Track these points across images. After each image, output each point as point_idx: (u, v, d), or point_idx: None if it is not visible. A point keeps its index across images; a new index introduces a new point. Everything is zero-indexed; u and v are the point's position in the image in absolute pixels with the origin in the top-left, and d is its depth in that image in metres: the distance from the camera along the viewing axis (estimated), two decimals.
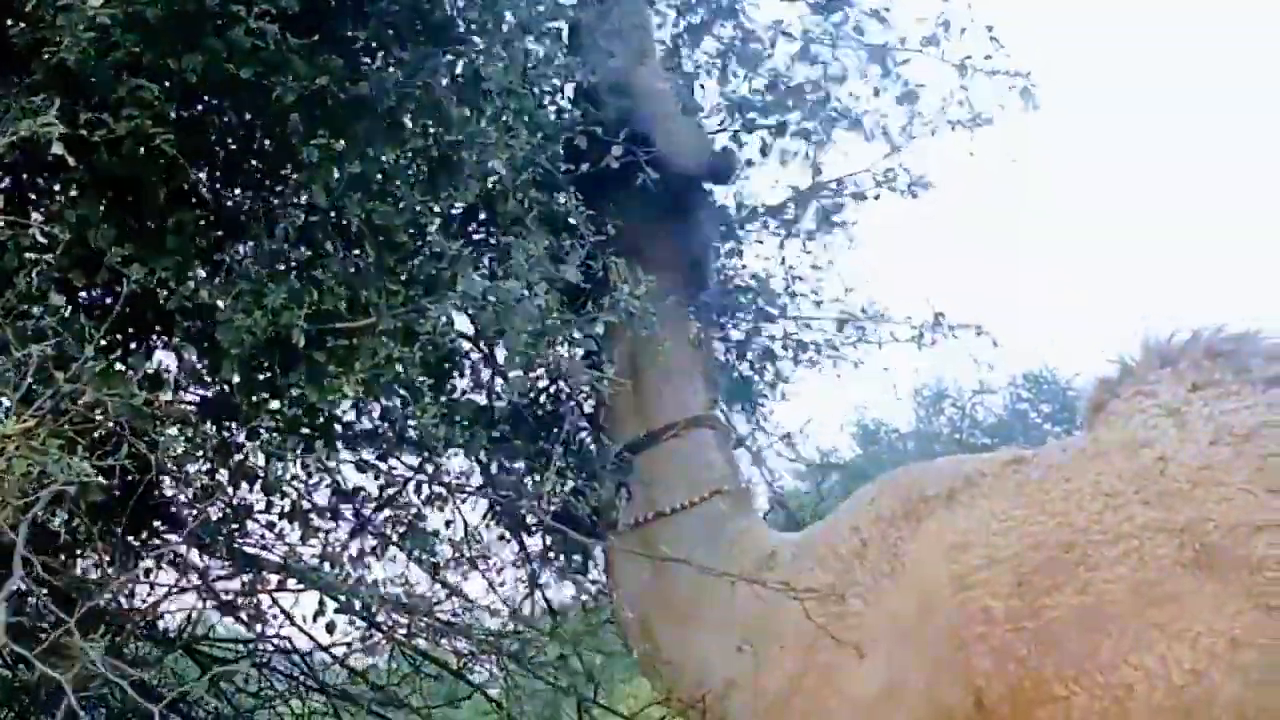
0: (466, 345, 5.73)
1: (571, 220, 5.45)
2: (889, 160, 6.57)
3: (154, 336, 5.05)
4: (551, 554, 6.11)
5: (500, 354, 5.60)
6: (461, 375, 5.81)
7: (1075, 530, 4.97)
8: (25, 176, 4.84)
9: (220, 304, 4.70)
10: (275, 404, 5.00)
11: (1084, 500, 5.01)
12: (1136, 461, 5.02)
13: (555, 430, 5.89)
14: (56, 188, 4.77)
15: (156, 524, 5.33)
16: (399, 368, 4.90)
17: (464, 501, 5.83)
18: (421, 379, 5.08)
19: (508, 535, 6.07)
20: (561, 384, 5.96)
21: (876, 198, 6.60)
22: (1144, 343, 5.33)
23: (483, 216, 5.41)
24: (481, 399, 5.87)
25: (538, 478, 5.73)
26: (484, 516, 5.97)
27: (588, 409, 6.10)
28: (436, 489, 5.61)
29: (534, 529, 6.02)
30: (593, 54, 5.69)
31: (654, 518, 5.84)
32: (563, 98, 5.91)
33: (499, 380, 5.81)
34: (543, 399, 6.08)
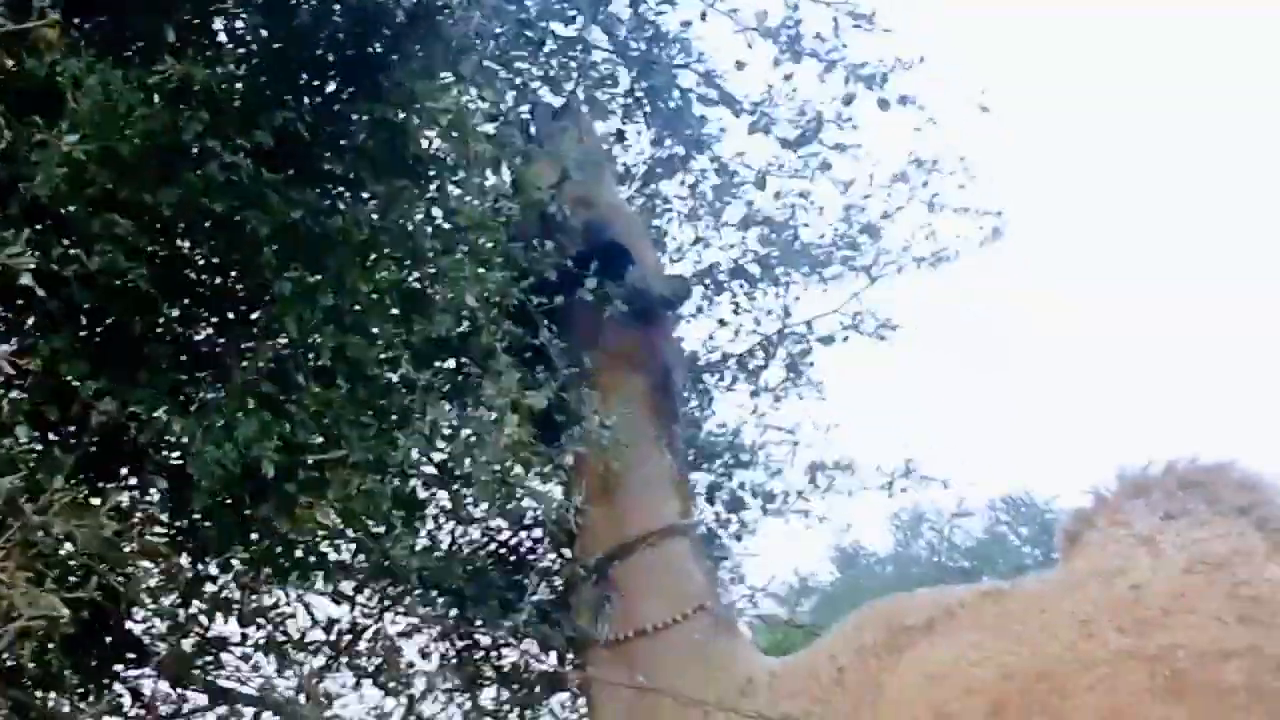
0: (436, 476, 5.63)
1: (544, 351, 5.37)
2: (855, 303, 6.54)
3: (125, 469, 4.92)
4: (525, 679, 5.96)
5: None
6: (432, 507, 5.71)
7: (1049, 659, 4.91)
8: None
9: (191, 437, 4.57)
10: (248, 537, 4.88)
11: (1059, 629, 4.95)
12: (1111, 590, 4.97)
13: (529, 558, 5.77)
14: (28, 320, 4.66)
15: (129, 657, 5.18)
16: (370, 499, 4.78)
17: (439, 636, 5.72)
18: (393, 510, 4.97)
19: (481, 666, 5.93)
20: (538, 509, 5.82)
21: (845, 340, 6.56)
22: (1118, 473, 5.30)
23: (456, 348, 5.31)
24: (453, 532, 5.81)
25: (512, 610, 5.56)
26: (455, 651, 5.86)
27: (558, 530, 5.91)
28: (411, 620, 5.48)
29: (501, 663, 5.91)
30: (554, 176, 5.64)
31: (635, 635, 5.66)
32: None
33: (477, 509, 5.71)
34: (521, 526, 5.97)
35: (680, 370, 6.09)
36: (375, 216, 4.83)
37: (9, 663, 4.25)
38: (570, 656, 5.74)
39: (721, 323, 6.53)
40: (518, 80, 5.79)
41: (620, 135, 6.44)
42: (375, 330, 4.80)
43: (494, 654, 5.85)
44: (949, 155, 6.39)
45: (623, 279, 5.67)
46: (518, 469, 5.11)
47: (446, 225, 5.02)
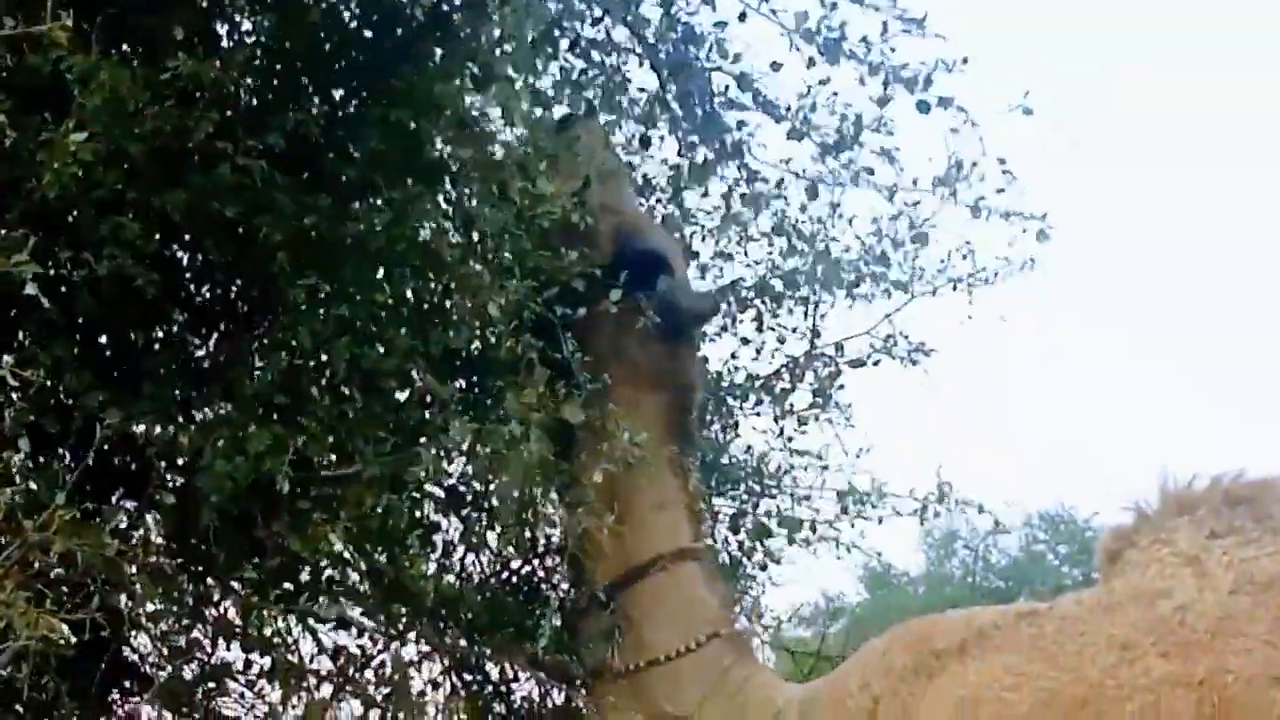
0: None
1: (567, 365, 5.12)
2: (887, 325, 6.37)
3: (128, 485, 4.67)
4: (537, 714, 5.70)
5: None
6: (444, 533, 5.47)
7: (1089, 685, 4.67)
8: None
9: (200, 451, 4.33)
10: (255, 558, 4.63)
11: (1099, 653, 4.72)
12: (1154, 612, 4.74)
13: (547, 586, 5.51)
14: (30, 329, 4.41)
15: (127, 682, 4.93)
16: (386, 518, 4.54)
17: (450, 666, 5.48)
18: (407, 534, 4.74)
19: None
20: (554, 534, 5.56)
21: (876, 363, 6.37)
22: (1161, 489, 5.07)
23: (475, 361, 5.06)
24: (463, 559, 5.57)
25: (529, 638, 5.30)
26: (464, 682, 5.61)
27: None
28: (424, 647, 5.23)
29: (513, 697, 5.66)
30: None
31: (648, 665, 5.39)
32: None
33: (490, 535, 5.46)
34: (535, 553, 5.71)
35: (701, 389, 5.85)
36: (390, 223, 4.59)
37: (3, 685, 4.03)
38: (582, 688, 5.48)
39: (745, 341, 6.30)
40: (538, 83, 5.56)
41: (645, 141, 6.20)
42: (391, 341, 4.59)
43: (505, 687, 5.58)
44: (990, 159, 6.20)
45: (653, 289, 5.43)
46: (537, 490, 4.85)
47: (465, 233, 4.79)
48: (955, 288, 6.28)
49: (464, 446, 4.70)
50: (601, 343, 5.42)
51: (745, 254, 6.35)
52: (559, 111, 5.65)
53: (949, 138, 6.08)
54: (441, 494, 5.29)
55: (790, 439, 6.43)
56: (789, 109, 6.09)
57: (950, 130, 6.05)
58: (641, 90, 6.03)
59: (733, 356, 6.39)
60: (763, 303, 6.32)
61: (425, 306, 4.73)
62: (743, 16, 5.92)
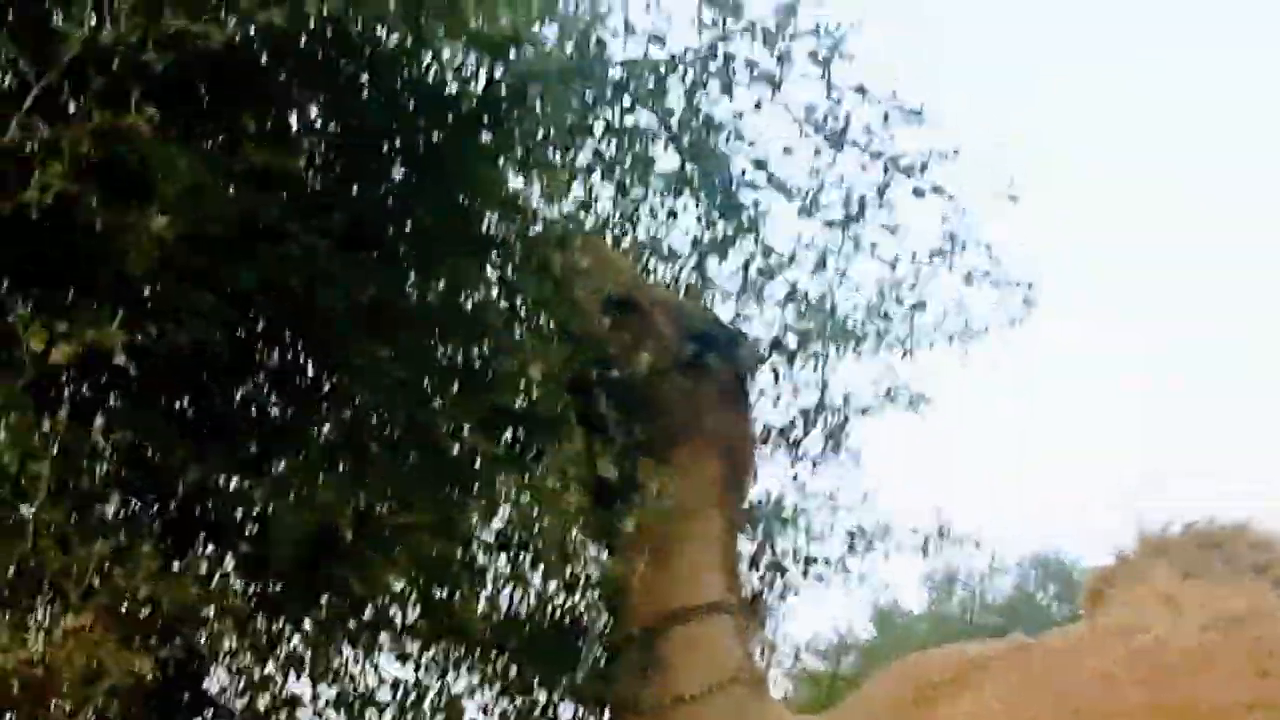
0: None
1: (604, 421, 5.29)
2: (889, 376, 6.49)
3: (208, 533, 4.84)
4: None
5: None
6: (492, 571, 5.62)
7: (1073, 713, 4.79)
8: (89, 384, 4.69)
9: (269, 503, 4.51)
10: (322, 598, 4.81)
11: (1083, 684, 4.84)
12: (1132, 645, 4.86)
13: (586, 620, 5.66)
14: (116, 394, 4.61)
15: (207, 713, 5.10)
16: (438, 562, 4.71)
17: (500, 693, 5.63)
18: (458, 576, 4.89)
19: None
20: (593, 573, 5.72)
21: (881, 411, 6.51)
22: (1139, 534, 5.22)
23: (519, 419, 5.24)
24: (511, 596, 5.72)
25: (569, 669, 5.45)
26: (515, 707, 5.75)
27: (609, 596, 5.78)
28: (472, 680, 5.39)
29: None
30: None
31: (672, 703, 5.52)
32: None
33: (534, 574, 5.62)
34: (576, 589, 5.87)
35: (754, 452, 6.04)
36: (442, 294, 4.77)
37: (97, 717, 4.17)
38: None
39: (761, 393, 6.45)
40: (575, 164, 5.75)
41: (671, 213, 6.39)
42: (443, 402, 4.74)
43: (551, 709, 5.73)
44: (978, 240, 6.35)
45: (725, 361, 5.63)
46: (577, 534, 5.01)
47: (509, 303, 4.97)
48: (951, 341, 6.44)
49: (509, 497, 4.86)
50: (672, 417, 5.57)
51: (761, 314, 6.52)
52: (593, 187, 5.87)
53: (942, 221, 6.28)
54: (491, 538, 5.48)
55: (803, 482, 6.57)
56: (799, 189, 6.29)
57: (942, 218, 6.26)
58: (667, 171, 6.23)
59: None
60: (778, 358, 6.46)
61: (474, 369, 4.86)
62: (758, 105, 6.09)
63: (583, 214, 5.61)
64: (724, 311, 6.52)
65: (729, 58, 5.89)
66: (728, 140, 6.12)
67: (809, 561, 6.44)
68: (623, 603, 5.56)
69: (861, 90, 6.11)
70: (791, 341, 6.38)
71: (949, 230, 6.30)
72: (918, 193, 6.15)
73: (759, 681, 5.69)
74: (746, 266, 6.38)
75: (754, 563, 6.40)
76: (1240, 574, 5.01)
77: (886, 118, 6.11)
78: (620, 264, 5.83)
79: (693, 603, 5.56)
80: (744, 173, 6.21)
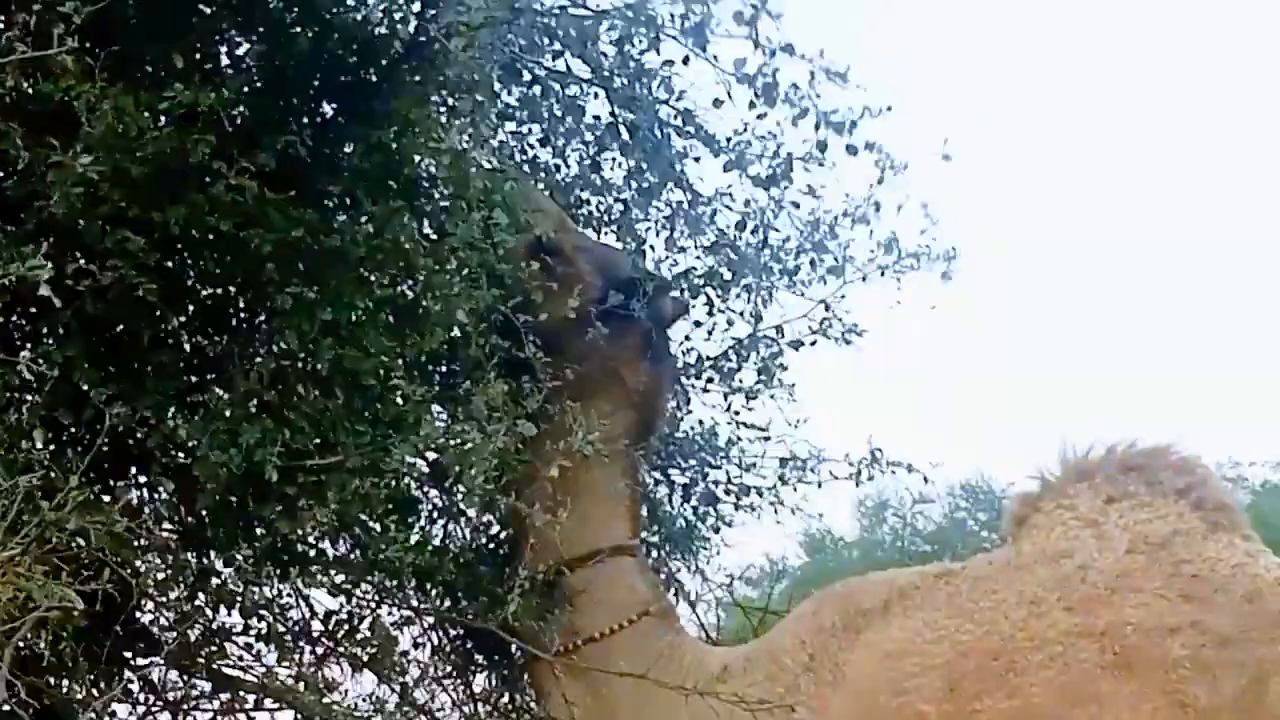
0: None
1: (530, 366, 5.29)
2: (822, 310, 6.49)
3: (134, 470, 4.83)
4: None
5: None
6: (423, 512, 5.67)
7: (1002, 638, 4.86)
8: (14, 318, 4.66)
9: (197, 442, 4.49)
10: (250, 535, 4.79)
11: (1009, 609, 4.91)
12: (1058, 570, 4.94)
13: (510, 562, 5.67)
14: (44, 329, 4.58)
15: (138, 645, 5.10)
16: (366, 502, 4.70)
17: (431, 626, 5.65)
18: (387, 513, 4.90)
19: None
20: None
21: (813, 344, 6.50)
22: (1062, 458, 5.25)
23: (446, 361, 5.23)
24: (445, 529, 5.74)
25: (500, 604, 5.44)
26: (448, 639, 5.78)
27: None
28: (405, 613, 5.40)
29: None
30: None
31: (585, 643, 5.54)
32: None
33: (468, 507, 5.64)
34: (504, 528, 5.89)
35: (667, 409, 6.06)
36: (370, 235, 4.74)
37: (25, 651, 4.16)
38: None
39: (696, 324, 6.47)
40: (504, 108, 5.73)
41: (596, 166, 6.38)
42: (370, 343, 4.71)
43: (483, 641, 5.73)
44: (912, 200, 6.42)
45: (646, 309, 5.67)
46: (502, 478, 5.00)
47: (438, 244, 4.95)
48: (883, 274, 6.44)
49: (436, 440, 4.86)
50: (591, 365, 5.61)
51: (695, 246, 6.53)
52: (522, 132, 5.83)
53: (875, 178, 6.33)
54: (425, 468, 5.47)
55: (737, 413, 6.59)
56: (728, 141, 6.31)
57: (876, 178, 6.32)
58: (595, 118, 6.20)
59: (685, 339, 6.54)
60: (712, 289, 6.47)
61: (401, 311, 4.85)
62: (685, 60, 6.12)
63: (512, 158, 5.54)
64: (659, 242, 6.53)
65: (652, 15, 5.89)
66: (656, 90, 6.11)
67: (742, 492, 6.44)
68: (530, 545, 5.56)
69: (789, 49, 6.13)
70: (725, 272, 6.38)
71: (874, 197, 6.33)
72: (851, 150, 6.18)
73: (669, 611, 5.73)
74: (671, 218, 6.36)
75: (688, 495, 6.42)
76: (1163, 497, 5.08)
77: (813, 76, 6.13)
78: (547, 207, 5.84)
79: (599, 545, 5.59)
80: (672, 121, 6.20)
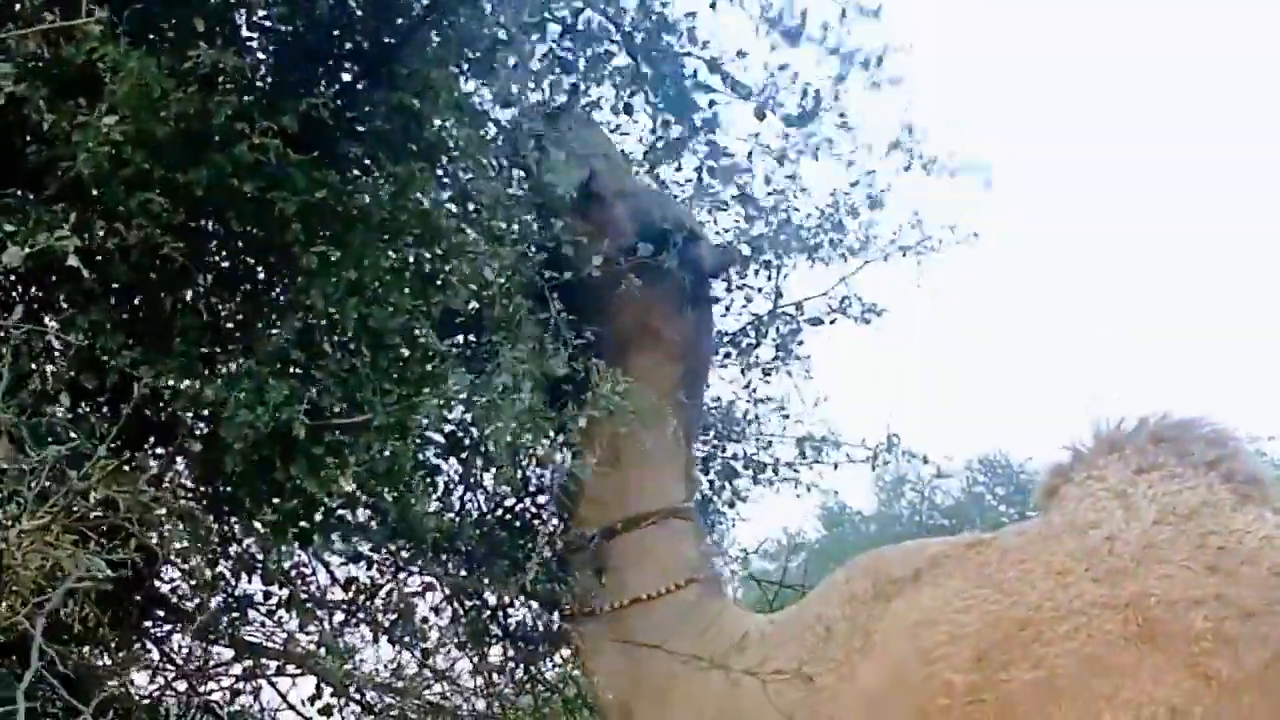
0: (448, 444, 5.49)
1: (556, 324, 5.21)
2: (843, 287, 6.42)
3: (160, 434, 4.76)
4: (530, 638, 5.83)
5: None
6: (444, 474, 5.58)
7: (1029, 608, 4.81)
8: (40, 285, 4.58)
9: (223, 403, 4.42)
10: (274, 499, 4.73)
11: (1037, 579, 4.86)
12: (1085, 541, 4.89)
13: (538, 522, 5.63)
14: (67, 296, 4.49)
15: (160, 614, 5.04)
16: (392, 462, 4.64)
17: (450, 595, 5.60)
18: (411, 473, 4.84)
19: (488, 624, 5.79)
20: (545, 475, 5.68)
21: (832, 322, 6.44)
22: (1093, 430, 5.21)
23: (472, 320, 5.15)
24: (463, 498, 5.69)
25: (521, 569, 5.41)
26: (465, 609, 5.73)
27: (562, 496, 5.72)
28: (427, 578, 5.35)
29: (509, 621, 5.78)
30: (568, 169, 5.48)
31: (630, 604, 5.53)
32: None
33: (486, 476, 5.57)
34: (527, 493, 5.82)
35: (711, 357, 5.99)
36: (394, 196, 4.67)
37: (51, 619, 4.10)
38: (569, 617, 5.60)
39: (715, 300, 6.39)
40: (527, 65, 5.61)
41: (628, 109, 6.24)
42: (395, 302, 4.65)
43: (501, 613, 5.72)
44: (938, 121, 6.30)
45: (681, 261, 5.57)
46: (528, 435, 4.94)
47: (461, 205, 4.88)
48: (905, 254, 6.37)
49: (462, 396, 4.79)
50: (626, 319, 5.56)
51: (715, 222, 6.41)
52: (547, 91, 5.72)
53: (901, 109, 6.21)
54: (443, 439, 5.43)
55: (755, 389, 6.52)
56: (755, 89, 6.18)
57: (903, 108, 6.18)
58: (620, 74, 6.08)
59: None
60: (731, 266, 6.35)
61: (426, 271, 4.78)
62: (713, 5, 6.01)
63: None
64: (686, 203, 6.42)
65: None
66: (681, 41, 6.00)
67: (760, 467, 6.39)
68: (578, 506, 5.54)
69: None
70: (745, 249, 6.29)
71: (906, 121, 6.21)
72: (874, 85, 6.08)
73: (713, 580, 5.70)
74: (699, 170, 6.26)
75: (705, 469, 6.37)
76: (1193, 469, 5.02)
77: (844, 14, 6.02)
78: (605, 150, 5.74)
79: (650, 508, 5.56)
80: (696, 73, 6.10)
